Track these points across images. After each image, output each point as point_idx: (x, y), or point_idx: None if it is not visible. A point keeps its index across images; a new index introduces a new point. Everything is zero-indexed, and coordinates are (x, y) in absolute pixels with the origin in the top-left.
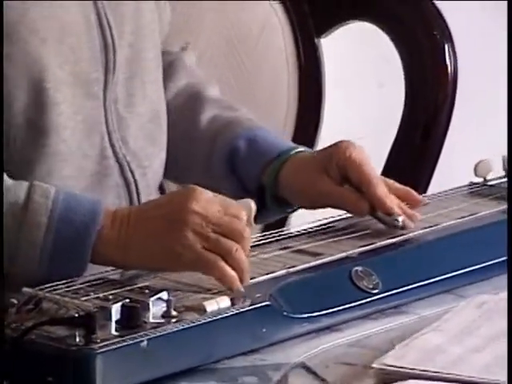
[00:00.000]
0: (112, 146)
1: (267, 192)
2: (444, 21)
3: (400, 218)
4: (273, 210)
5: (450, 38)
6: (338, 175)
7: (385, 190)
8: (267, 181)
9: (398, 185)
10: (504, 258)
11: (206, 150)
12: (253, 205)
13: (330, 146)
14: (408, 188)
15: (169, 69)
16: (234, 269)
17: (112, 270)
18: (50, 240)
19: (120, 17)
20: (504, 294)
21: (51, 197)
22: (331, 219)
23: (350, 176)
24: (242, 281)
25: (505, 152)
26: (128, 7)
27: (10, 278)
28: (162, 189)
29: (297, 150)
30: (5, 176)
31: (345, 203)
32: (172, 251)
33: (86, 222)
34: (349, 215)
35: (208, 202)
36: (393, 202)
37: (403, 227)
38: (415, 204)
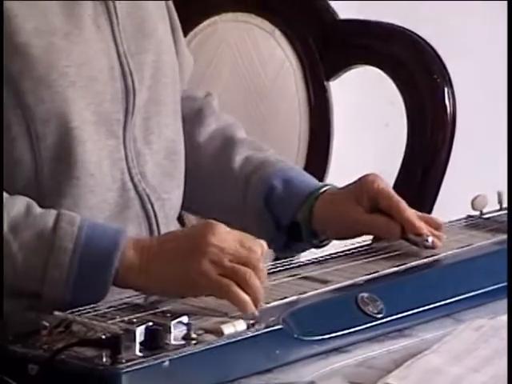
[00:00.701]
0: (132, 180)
1: (302, 227)
2: (444, 65)
3: (430, 239)
4: (308, 242)
5: (449, 82)
6: (369, 204)
7: (414, 214)
8: (302, 217)
9: (419, 213)
10: (499, 286)
11: (241, 189)
12: (265, 244)
13: (359, 179)
14: (430, 215)
15: (198, 114)
16: (248, 294)
17: (136, 295)
18: (76, 264)
19: (140, 64)
20: (500, 318)
21: (77, 224)
22: (339, 249)
23: (380, 204)
24: (256, 305)
25: (500, 188)
26: (148, 55)
27: (41, 301)
28: (180, 220)
29: (326, 188)
30: (34, 204)
31: (378, 229)
32: (189, 278)
33: (110, 248)
34: (352, 244)
35: (225, 234)
36: (422, 225)
37: (433, 247)
38: (438, 228)
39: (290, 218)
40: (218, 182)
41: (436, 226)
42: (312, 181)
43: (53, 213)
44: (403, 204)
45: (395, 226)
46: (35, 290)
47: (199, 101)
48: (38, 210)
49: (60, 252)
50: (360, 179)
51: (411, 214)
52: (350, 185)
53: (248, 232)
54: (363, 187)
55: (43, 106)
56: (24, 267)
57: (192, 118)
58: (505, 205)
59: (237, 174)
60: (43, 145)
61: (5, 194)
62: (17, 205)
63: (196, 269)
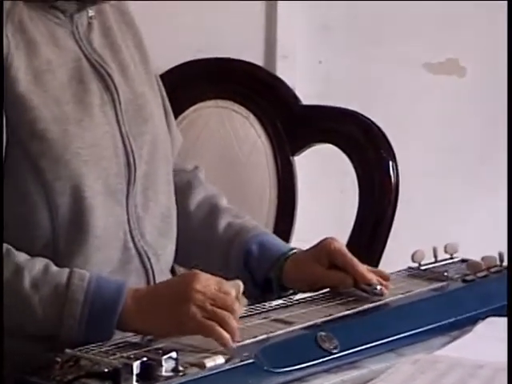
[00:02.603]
0: (133, 239)
1: (274, 283)
2: (389, 142)
3: (378, 287)
4: (278, 294)
5: (393, 157)
6: (327, 262)
7: (365, 268)
8: (274, 275)
9: (369, 267)
10: (434, 325)
11: (224, 250)
12: (241, 284)
13: (319, 242)
14: (377, 268)
15: (188, 186)
16: (227, 332)
17: (133, 335)
18: (86, 313)
19: (139, 143)
20: (434, 353)
21: (86, 280)
22: (301, 295)
23: (336, 261)
24: (233, 341)
25: (435, 244)
26: (146, 136)
27: (56, 341)
28: (173, 271)
29: (293, 251)
30: (51, 263)
31: (335, 281)
32: (179, 321)
33: (114, 299)
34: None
35: (207, 281)
36: (372, 276)
37: (381, 294)
38: (385, 279)
39: (264, 276)
40: (205, 243)
41: (384, 277)
42: (282, 245)
43: (66, 271)
44: (355, 260)
45: (349, 279)
46: (52, 334)
47: (188, 173)
48: (54, 268)
49: (73, 303)
50: (319, 242)
51: (363, 268)
52: (311, 247)
53: None
54: (322, 249)
55: (60, 181)
56: (44, 316)
57: (183, 188)
58: (439, 258)
59: (220, 238)
60: (60, 212)
61: (26, 256)
62: (37, 265)
63: (184, 313)
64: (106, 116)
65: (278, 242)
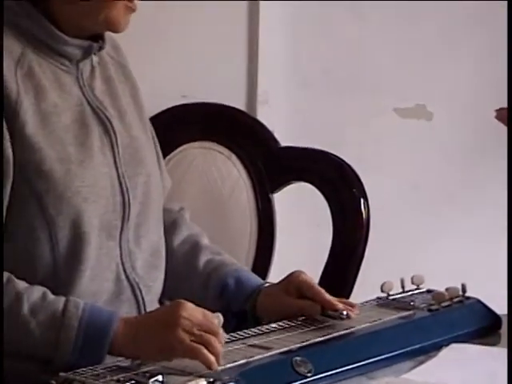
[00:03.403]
0: (125, 271)
1: (248, 314)
2: (360, 181)
3: (344, 312)
4: (252, 323)
5: (364, 194)
6: (296, 293)
7: (331, 297)
8: (248, 307)
9: (335, 298)
10: (402, 351)
11: (203, 284)
12: (221, 317)
13: (288, 276)
14: (344, 299)
15: (173, 225)
16: (213, 354)
17: (123, 359)
18: (81, 338)
19: (134, 184)
20: (402, 376)
21: (81, 308)
22: (279, 323)
23: (304, 292)
24: (218, 363)
25: (402, 275)
26: (140, 177)
27: (51, 364)
28: (161, 302)
29: (266, 285)
30: (48, 292)
31: (303, 309)
32: (168, 344)
33: (106, 325)
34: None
35: (192, 310)
36: (338, 302)
37: (349, 317)
38: (351, 306)
39: (240, 308)
40: (187, 276)
41: (349, 304)
42: (256, 279)
43: (62, 299)
44: (322, 290)
45: (316, 306)
46: (48, 357)
47: (174, 213)
48: (51, 296)
49: (68, 329)
50: (288, 275)
51: (329, 296)
52: (281, 280)
53: None
54: (291, 281)
55: (62, 217)
56: (40, 340)
57: (169, 227)
58: (406, 288)
59: (200, 272)
60: (60, 245)
61: (25, 284)
62: (35, 292)
63: (173, 337)
64: (105, 158)
65: (252, 276)
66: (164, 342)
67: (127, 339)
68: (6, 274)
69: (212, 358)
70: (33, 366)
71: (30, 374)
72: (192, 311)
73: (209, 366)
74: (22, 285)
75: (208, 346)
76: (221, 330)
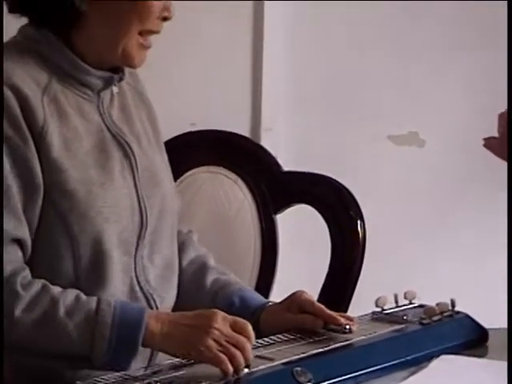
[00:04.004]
0: (139, 284)
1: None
2: (357, 204)
3: (347, 326)
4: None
5: (361, 216)
6: (297, 311)
7: (333, 312)
8: (252, 323)
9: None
10: (396, 361)
11: (211, 301)
12: (249, 325)
13: (290, 295)
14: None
15: (182, 246)
16: (234, 367)
17: (136, 370)
18: (114, 333)
19: (151, 204)
20: None
21: (112, 305)
22: (279, 336)
23: (306, 309)
24: (238, 374)
25: (396, 291)
26: (156, 198)
27: (88, 361)
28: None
29: (269, 304)
30: (81, 293)
31: (305, 324)
32: (196, 348)
33: (138, 319)
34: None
35: (224, 320)
36: (340, 317)
37: (351, 331)
38: (351, 320)
39: None
40: (196, 294)
41: (349, 318)
42: (260, 298)
43: (94, 299)
44: (323, 306)
45: (319, 321)
46: (86, 355)
47: (183, 235)
48: (84, 297)
49: (102, 326)
50: (291, 295)
51: (331, 312)
52: (284, 299)
53: None
54: (293, 300)
55: (84, 234)
56: (78, 339)
57: (178, 248)
58: (400, 303)
59: (208, 291)
60: (82, 261)
61: (59, 288)
62: (69, 295)
63: (202, 343)
64: (125, 180)
65: (256, 296)
66: (193, 346)
67: (157, 334)
68: (41, 281)
69: (231, 370)
70: (58, 364)
71: (54, 371)
72: (224, 322)
73: (226, 375)
74: (56, 290)
75: (232, 359)
76: (248, 345)
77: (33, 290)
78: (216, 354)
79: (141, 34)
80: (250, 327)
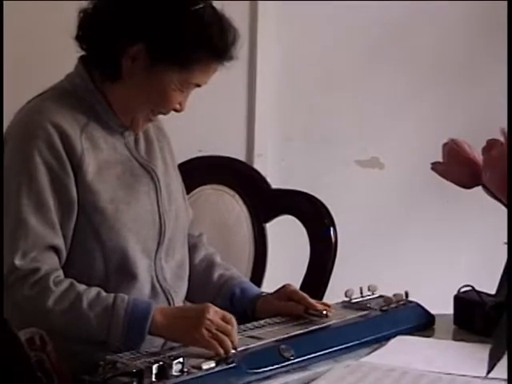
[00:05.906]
0: (158, 281)
1: (249, 315)
2: (330, 215)
3: (324, 312)
4: (252, 320)
5: (333, 224)
6: (286, 299)
7: (314, 300)
8: (249, 310)
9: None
10: (362, 341)
11: (217, 292)
12: (233, 318)
13: (281, 287)
14: (322, 301)
15: (194, 246)
16: (223, 349)
17: (155, 346)
18: (126, 323)
19: (168, 218)
20: (361, 360)
21: (126, 301)
22: (269, 320)
23: (293, 297)
24: (227, 355)
25: (361, 284)
26: (172, 212)
27: (105, 345)
28: (183, 303)
29: (263, 294)
30: (102, 290)
31: (290, 310)
32: (192, 337)
33: (146, 312)
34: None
35: (215, 313)
36: (319, 305)
37: (327, 316)
38: (328, 306)
39: (243, 311)
40: (204, 287)
41: (326, 305)
42: (256, 289)
43: (112, 295)
44: (307, 295)
45: (300, 307)
46: (103, 340)
47: (194, 238)
48: (104, 294)
49: (117, 318)
50: (281, 287)
51: (312, 300)
52: (275, 291)
53: None
54: (282, 291)
55: (111, 242)
56: (97, 327)
57: (190, 248)
58: (364, 294)
59: (214, 284)
60: (111, 264)
61: (84, 286)
62: (92, 292)
63: (197, 332)
64: (149, 198)
65: (253, 287)
66: (190, 335)
67: (162, 325)
68: (69, 280)
69: (222, 351)
70: (87, 347)
71: (85, 353)
72: (214, 314)
73: (218, 356)
74: (81, 287)
75: (221, 343)
76: (234, 332)
77: (62, 287)
78: (208, 341)
79: (152, 111)
80: (233, 319)
